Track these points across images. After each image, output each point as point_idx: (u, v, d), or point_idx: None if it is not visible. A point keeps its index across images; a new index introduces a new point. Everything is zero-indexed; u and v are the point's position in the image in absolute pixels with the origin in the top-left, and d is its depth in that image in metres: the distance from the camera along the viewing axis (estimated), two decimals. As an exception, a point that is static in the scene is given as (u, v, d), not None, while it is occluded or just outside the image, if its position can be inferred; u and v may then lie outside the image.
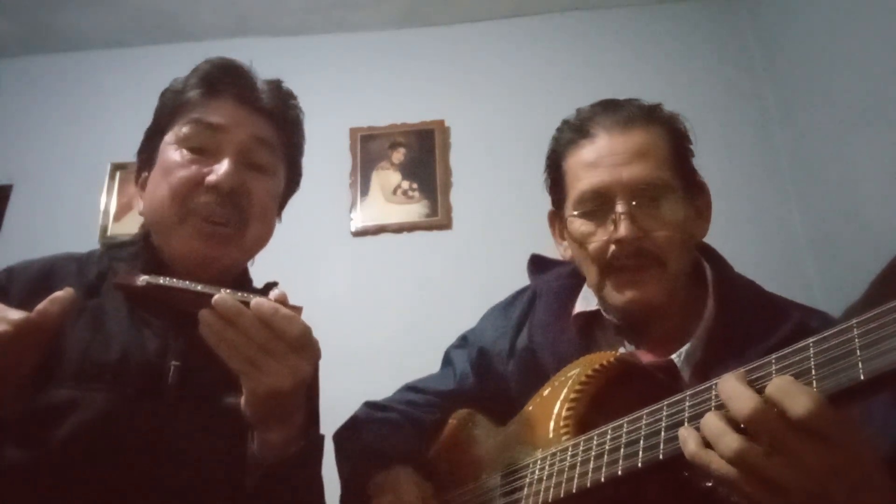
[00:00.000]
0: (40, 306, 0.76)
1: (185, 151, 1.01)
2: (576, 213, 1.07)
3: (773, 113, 2.74)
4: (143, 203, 1.05)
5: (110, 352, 0.92)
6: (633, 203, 1.01)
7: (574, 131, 1.10)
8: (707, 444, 0.65)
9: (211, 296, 0.79)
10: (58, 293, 0.78)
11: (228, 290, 0.81)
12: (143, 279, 0.84)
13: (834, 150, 2.33)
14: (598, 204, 1.04)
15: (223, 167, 0.99)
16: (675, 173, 1.05)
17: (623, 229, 1.00)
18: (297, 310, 0.83)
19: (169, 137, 1.03)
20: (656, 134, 1.06)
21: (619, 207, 1.01)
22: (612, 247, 1.02)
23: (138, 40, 3.08)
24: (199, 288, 0.82)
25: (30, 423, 0.85)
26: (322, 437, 1.01)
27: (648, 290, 1.01)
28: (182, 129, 1.02)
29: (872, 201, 2.11)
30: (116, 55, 3.10)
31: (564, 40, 2.97)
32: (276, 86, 1.10)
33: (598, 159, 1.04)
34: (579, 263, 1.11)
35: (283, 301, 0.82)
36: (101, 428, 0.86)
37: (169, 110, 1.05)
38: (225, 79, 1.05)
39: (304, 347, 0.82)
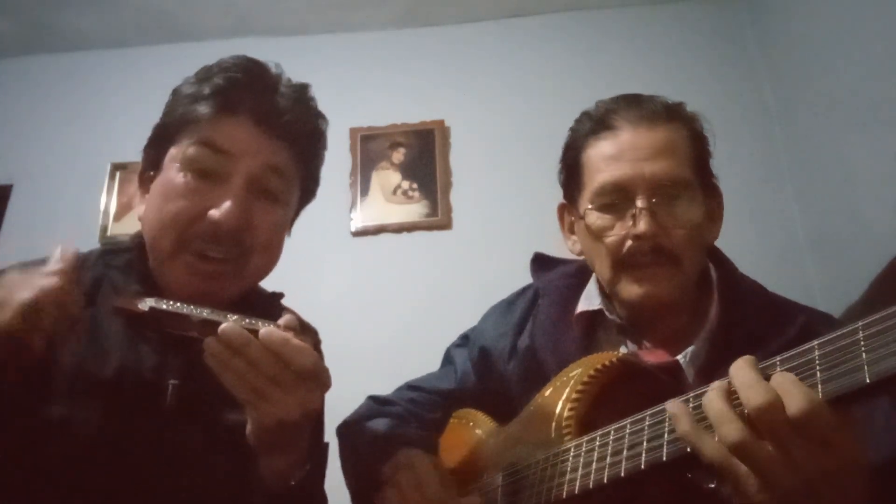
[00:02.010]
0: (57, 258, 0.77)
1: (189, 175, 0.93)
2: (593, 205, 1.05)
3: (773, 113, 2.74)
4: (143, 214, 0.98)
5: (105, 368, 0.88)
6: (654, 200, 1.00)
7: (596, 123, 1.09)
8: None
9: (217, 323, 0.76)
10: (62, 253, 0.78)
11: (235, 317, 0.78)
12: (146, 303, 0.80)
13: (834, 150, 2.33)
14: (618, 198, 1.03)
15: (227, 204, 0.91)
16: (695, 173, 1.04)
17: (642, 225, 0.99)
18: (308, 336, 0.80)
19: (175, 153, 0.95)
20: (679, 132, 1.05)
21: (640, 203, 1.00)
22: (629, 242, 1.01)
23: (138, 40, 3.07)
24: (205, 314, 0.79)
25: (23, 441, 0.82)
26: (326, 446, 1.00)
27: (663, 288, 1.01)
28: (189, 149, 0.94)
29: (872, 201, 2.11)
30: (116, 55, 3.09)
31: (564, 40, 2.97)
32: (299, 97, 1.02)
33: (621, 153, 1.03)
34: (590, 258, 1.10)
35: (293, 328, 0.78)
36: (96, 448, 0.83)
37: (178, 118, 0.97)
38: (243, 94, 0.96)
39: (315, 379, 0.78)
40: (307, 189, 1.09)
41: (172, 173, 0.94)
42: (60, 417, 0.83)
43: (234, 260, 0.95)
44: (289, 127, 0.99)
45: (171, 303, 0.81)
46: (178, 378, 0.90)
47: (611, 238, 1.03)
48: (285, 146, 0.98)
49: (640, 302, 1.02)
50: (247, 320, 0.78)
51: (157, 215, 0.94)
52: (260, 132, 0.96)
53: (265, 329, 0.76)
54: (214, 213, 0.91)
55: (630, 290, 1.02)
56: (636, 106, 1.07)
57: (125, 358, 0.90)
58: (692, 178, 1.03)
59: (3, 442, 0.81)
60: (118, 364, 0.89)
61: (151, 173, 1.00)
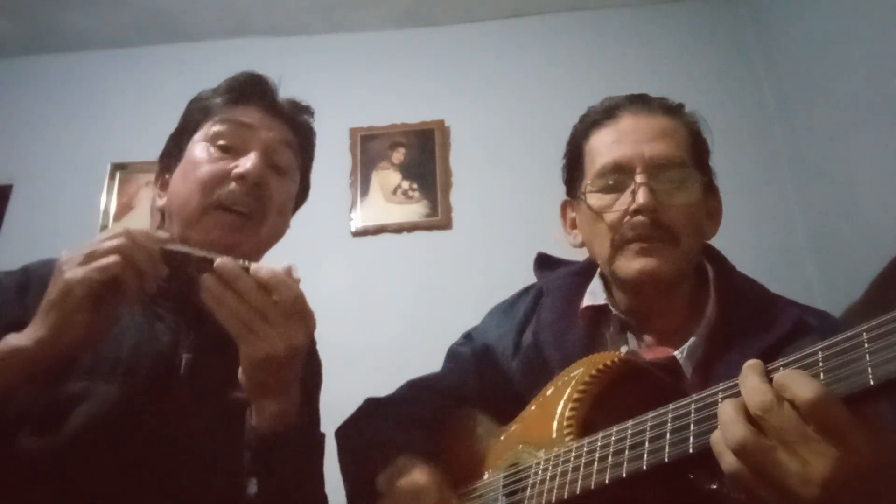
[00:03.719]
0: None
1: (212, 149, 1.07)
2: (594, 187, 1.08)
3: (773, 113, 2.73)
4: (166, 198, 1.09)
5: (123, 345, 0.96)
6: (652, 178, 1.03)
7: (599, 114, 1.13)
8: None
9: (213, 261, 0.83)
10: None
11: (230, 258, 0.85)
12: None
13: (834, 150, 2.33)
14: (618, 178, 1.06)
15: (250, 160, 1.05)
16: (694, 163, 1.07)
17: (641, 197, 1.01)
18: (295, 280, 0.86)
19: (197, 136, 1.09)
20: (678, 123, 1.10)
21: (639, 178, 1.03)
22: (628, 218, 1.03)
23: (138, 40, 3.07)
24: (203, 253, 0.86)
25: (45, 412, 0.88)
26: (323, 436, 1.03)
27: (660, 262, 1.02)
28: (212, 127, 1.08)
29: (872, 201, 2.11)
30: (116, 55, 3.09)
31: (564, 40, 2.97)
32: (296, 101, 1.18)
33: (622, 136, 1.07)
34: (590, 243, 1.12)
35: (288, 273, 0.85)
36: (114, 419, 0.90)
37: (197, 114, 1.12)
38: (251, 89, 1.13)
39: (298, 314, 0.85)
40: (301, 188, 1.19)
41: (196, 151, 1.08)
42: (80, 391, 0.90)
43: (255, 215, 1.05)
44: (290, 115, 1.15)
45: (172, 244, 0.88)
46: (191, 352, 0.99)
47: (611, 215, 1.05)
48: (290, 130, 1.14)
49: (638, 277, 1.02)
50: (241, 260, 0.85)
51: (184, 185, 1.05)
52: (270, 116, 1.12)
53: (255, 264, 0.84)
54: (240, 168, 1.04)
55: (628, 265, 1.03)
56: (638, 101, 1.12)
57: (142, 336, 0.98)
58: (689, 162, 1.06)
59: (27, 414, 0.87)
60: (135, 342, 0.97)
61: (167, 176, 1.11)
